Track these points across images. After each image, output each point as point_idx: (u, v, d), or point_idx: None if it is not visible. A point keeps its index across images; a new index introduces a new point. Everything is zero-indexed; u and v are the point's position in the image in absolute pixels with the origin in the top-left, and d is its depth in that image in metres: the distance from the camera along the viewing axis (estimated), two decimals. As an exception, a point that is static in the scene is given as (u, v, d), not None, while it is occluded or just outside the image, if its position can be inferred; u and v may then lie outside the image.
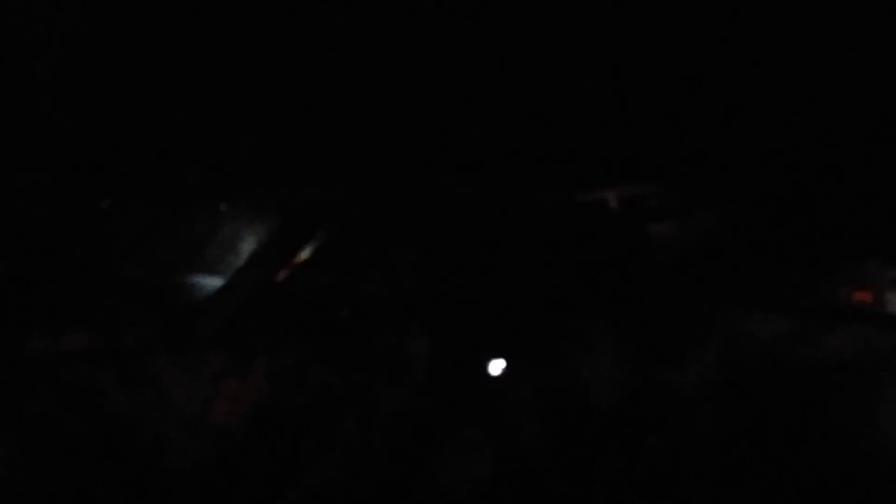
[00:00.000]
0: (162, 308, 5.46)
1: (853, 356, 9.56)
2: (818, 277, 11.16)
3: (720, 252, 13.41)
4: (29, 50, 6.30)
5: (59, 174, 6.11)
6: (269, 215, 6.04)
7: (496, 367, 3.89)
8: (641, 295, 5.18)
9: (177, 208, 6.94)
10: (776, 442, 6.72)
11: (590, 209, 7.11)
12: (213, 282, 5.23)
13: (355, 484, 3.64)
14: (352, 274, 4.75)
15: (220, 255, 6.00)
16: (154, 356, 4.21)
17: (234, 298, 4.53)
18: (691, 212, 14.01)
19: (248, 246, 5.61)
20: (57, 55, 6.54)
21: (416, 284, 4.58)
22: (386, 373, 3.77)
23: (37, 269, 5.15)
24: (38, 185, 5.82)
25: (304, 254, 4.95)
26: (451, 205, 4.99)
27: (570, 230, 4.99)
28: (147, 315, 4.98)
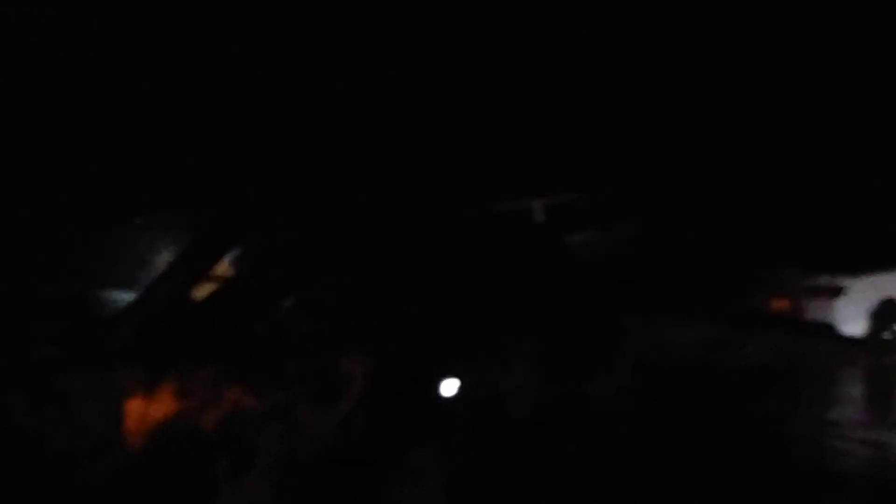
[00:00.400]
0: (72, 322, 5.27)
1: (770, 362, 9.80)
2: (737, 285, 11.43)
3: (641, 260, 13.65)
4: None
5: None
6: (184, 229, 5.87)
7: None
8: (561, 305, 5.19)
9: (90, 220, 6.72)
10: (693, 445, 6.87)
11: (511, 220, 7.08)
12: (125, 296, 5.08)
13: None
14: (272, 291, 4.66)
15: (133, 269, 5.83)
16: (62, 372, 4.05)
17: (146, 313, 4.39)
18: (614, 220, 14.20)
19: (162, 260, 5.44)
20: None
21: (342, 302, 4.49)
22: (313, 393, 3.64)
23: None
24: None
25: (221, 269, 4.84)
26: (371, 218, 4.93)
27: (492, 241, 4.96)
28: (57, 329, 4.81)
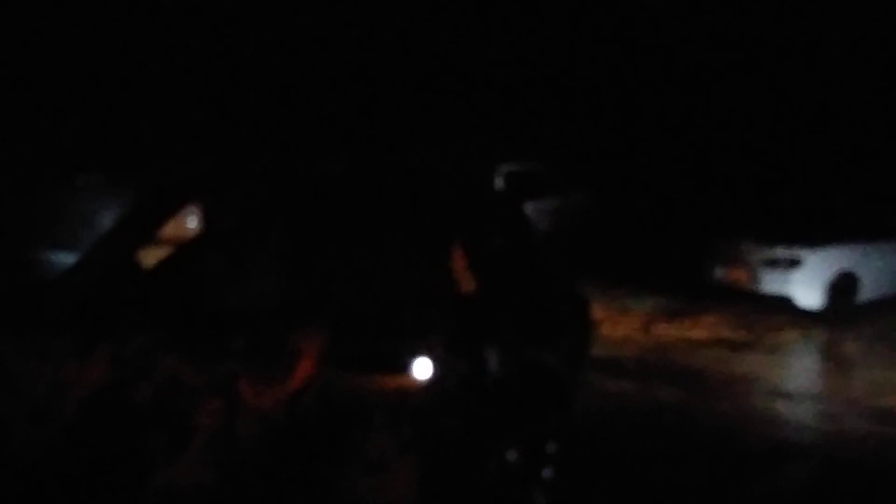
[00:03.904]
0: (8, 285, 5.07)
1: (728, 333, 9.83)
2: (695, 257, 11.44)
3: (598, 230, 13.62)
4: None
5: None
6: (129, 190, 5.68)
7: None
8: (522, 273, 5.06)
9: (29, 179, 6.47)
10: (649, 415, 6.85)
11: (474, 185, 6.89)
12: (65, 259, 4.87)
13: (220, 488, 3.36)
14: (219, 261, 4.49)
15: (74, 231, 5.64)
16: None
17: (86, 278, 4.20)
18: (572, 189, 14.17)
19: (105, 222, 5.26)
20: None
21: (294, 273, 4.31)
22: (258, 369, 3.45)
23: None
24: None
25: (167, 232, 4.64)
26: (332, 185, 4.72)
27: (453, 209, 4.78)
28: (-6, 292, 4.61)
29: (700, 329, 9.88)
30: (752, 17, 14.97)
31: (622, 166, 14.04)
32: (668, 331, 9.78)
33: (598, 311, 10.21)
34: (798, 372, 8.69)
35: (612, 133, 14.58)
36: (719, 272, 10.83)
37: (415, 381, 3.42)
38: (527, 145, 13.62)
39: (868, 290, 10.52)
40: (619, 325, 9.98)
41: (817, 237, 10.47)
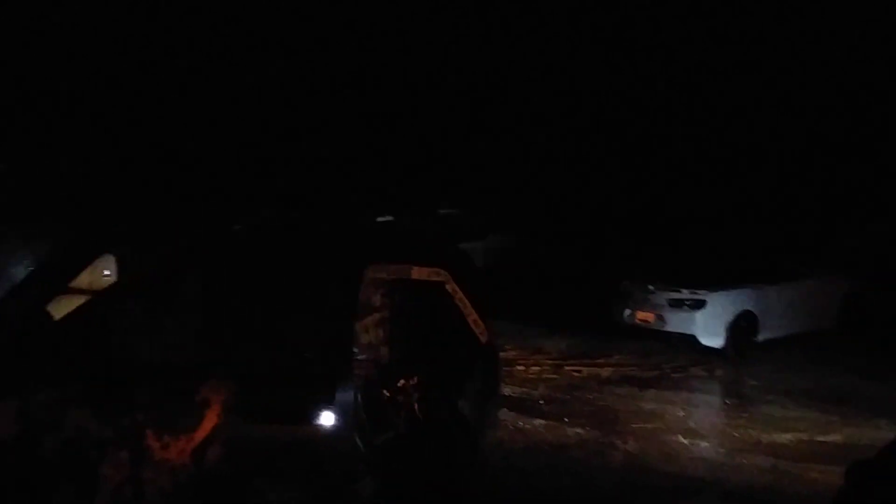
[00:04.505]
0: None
1: (636, 371, 10.19)
2: (606, 298, 11.81)
3: (515, 272, 13.89)
4: None
5: None
6: (44, 240, 5.68)
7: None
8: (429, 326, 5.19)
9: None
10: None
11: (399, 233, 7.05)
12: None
13: None
14: (131, 312, 4.55)
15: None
16: None
17: (-3, 328, 4.24)
18: (490, 233, 14.52)
19: (16, 272, 5.26)
20: None
21: (204, 325, 4.37)
22: (164, 419, 3.54)
23: None
24: None
25: (79, 284, 4.71)
26: (241, 238, 4.85)
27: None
28: None
29: (609, 367, 10.23)
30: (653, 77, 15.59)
31: (541, 211, 14.48)
32: (579, 369, 10.10)
33: (512, 351, 10.53)
34: (700, 408, 9.06)
35: (532, 179, 15.05)
36: (628, 313, 11.25)
37: (320, 430, 3.57)
38: (456, 190, 14.05)
39: (767, 330, 11.04)
40: (532, 363, 10.25)
41: (720, 280, 10.97)
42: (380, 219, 12.09)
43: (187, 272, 4.65)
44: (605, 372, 10.05)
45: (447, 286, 3.96)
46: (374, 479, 3.92)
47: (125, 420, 3.46)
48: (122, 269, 5.41)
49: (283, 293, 4.31)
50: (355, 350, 4.09)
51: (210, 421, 3.52)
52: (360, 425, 3.84)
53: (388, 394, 4.08)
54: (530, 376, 9.67)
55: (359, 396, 3.79)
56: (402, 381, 4.63)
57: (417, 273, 3.75)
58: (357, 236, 5.26)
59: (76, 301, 4.88)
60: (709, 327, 10.68)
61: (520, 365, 9.97)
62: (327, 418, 3.60)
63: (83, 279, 4.88)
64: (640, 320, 11.13)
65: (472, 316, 4.81)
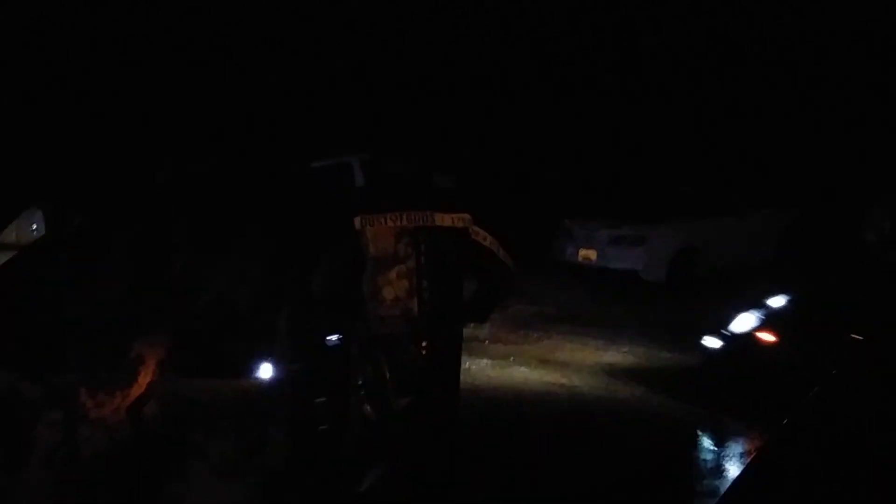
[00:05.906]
0: None
1: (570, 306, 10.28)
2: (549, 237, 11.89)
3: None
4: None
5: None
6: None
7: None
8: None
9: None
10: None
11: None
12: None
13: (64, 495, 3.35)
14: (60, 268, 4.42)
15: None
16: None
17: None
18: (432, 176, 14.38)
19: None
20: None
21: (136, 280, 4.26)
22: (97, 378, 3.45)
23: None
24: None
25: (5, 239, 4.57)
26: (168, 192, 4.71)
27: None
28: None
29: (553, 307, 10.32)
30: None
31: (485, 149, 14.42)
32: (524, 309, 10.17)
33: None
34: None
35: (478, 118, 14.95)
36: (571, 251, 11.34)
37: (256, 383, 3.53)
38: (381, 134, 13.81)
39: (708, 263, 11.22)
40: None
41: (660, 216, 11.10)
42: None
43: (117, 225, 4.53)
44: (549, 310, 10.14)
45: (471, 231, 3.78)
46: (380, 466, 3.68)
47: (57, 380, 3.38)
48: (49, 224, 5.26)
49: (216, 243, 4.22)
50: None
51: (145, 377, 3.46)
52: (382, 389, 3.59)
53: (418, 351, 3.77)
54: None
55: (381, 356, 3.56)
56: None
57: (440, 220, 3.59)
58: (306, 184, 5.12)
59: (2, 257, 4.74)
60: (650, 263, 10.83)
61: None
62: (264, 370, 3.55)
63: (9, 234, 4.72)
64: (583, 258, 11.24)
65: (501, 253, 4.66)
